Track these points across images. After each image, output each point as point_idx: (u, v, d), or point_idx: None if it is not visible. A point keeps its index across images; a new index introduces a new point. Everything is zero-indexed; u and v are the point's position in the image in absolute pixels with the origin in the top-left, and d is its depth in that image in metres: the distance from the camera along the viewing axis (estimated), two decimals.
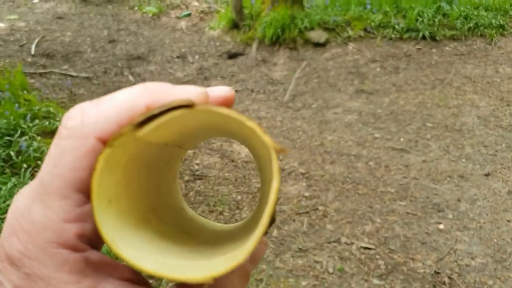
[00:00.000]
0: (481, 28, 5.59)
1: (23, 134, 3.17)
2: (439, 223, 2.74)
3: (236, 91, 4.58)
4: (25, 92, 3.87)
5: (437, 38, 5.52)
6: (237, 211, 2.85)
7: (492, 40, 5.48)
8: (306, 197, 2.97)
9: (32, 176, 2.79)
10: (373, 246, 2.54)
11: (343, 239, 2.59)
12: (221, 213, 2.78)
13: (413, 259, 2.46)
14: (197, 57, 5.36)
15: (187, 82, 4.72)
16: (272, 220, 0.29)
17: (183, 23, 6.26)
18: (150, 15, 6.41)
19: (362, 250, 2.52)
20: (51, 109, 3.63)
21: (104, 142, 0.26)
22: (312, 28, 5.57)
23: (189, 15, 6.45)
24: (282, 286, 2.29)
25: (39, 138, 3.17)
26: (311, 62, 5.15)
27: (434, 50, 5.35)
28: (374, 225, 2.71)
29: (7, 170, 2.80)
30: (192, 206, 2.80)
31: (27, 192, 0.26)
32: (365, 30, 5.65)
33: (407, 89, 4.56)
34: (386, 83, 4.70)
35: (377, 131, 3.80)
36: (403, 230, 2.68)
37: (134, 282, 0.28)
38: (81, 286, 0.25)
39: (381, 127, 3.87)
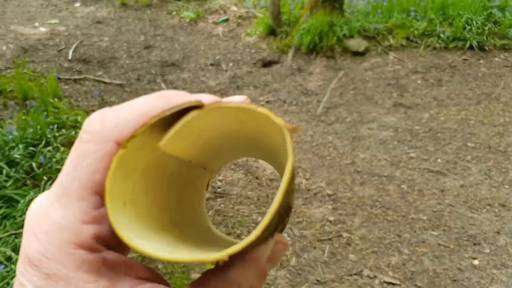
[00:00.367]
0: None
1: (48, 144, 3.17)
2: (474, 258, 2.51)
3: (267, 102, 4.45)
4: (55, 99, 3.89)
5: (486, 48, 5.19)
6: None
7: None
8: (330, 221, 2.81)
9: None
10: (397, 282, 2.35)
11: (366, 272, 2.42)
12: (238, 236, 2.67)
13: None
14: (231, 64, 5.27)
15: (219, 91, 4.63)
16: (289, 208, 0.29)
17: (219, 29, 6.19)
18: (188, 20, 6.38)
19: (385, 285, 2.34)
20: (79, 118, 3.63)
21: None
22: (351, 36, 5.36)
23: (226, 20, 6.37)
24: None
25: (63, 148, 3.17)
26: (348, 72, 4.96)
27: (482, 61, 5.03)
28: (401, 257, 2.52)
29: (28, 182, 2.79)
30: None
31: (46, 194, 0.27)
32: (407, 38, 5.39)
33: (449, 104, 4.29)
34: (427, 96, 4.44)
35: (413, 150, 3.58)
36: (433, 264, 2.47)
37: (150, 281, 0.28)
38: (99, 285, 0.25)
39: (417, 145, 3.64)
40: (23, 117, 3.39)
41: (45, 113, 3.53)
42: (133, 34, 5.90)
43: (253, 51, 5.58)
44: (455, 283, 2.35)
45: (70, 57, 5.20)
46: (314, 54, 5.29)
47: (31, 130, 3.20)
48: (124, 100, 3.61)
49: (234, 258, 0.28)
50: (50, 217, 0.26)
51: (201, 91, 4.63)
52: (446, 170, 3.31)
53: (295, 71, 5.07)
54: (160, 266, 2.42)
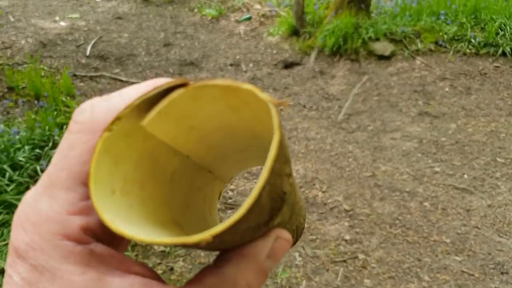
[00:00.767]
0: None
1: (55, 146, 3.08)
2: None
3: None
4: (68, 98, 3.81)
5: None
6: None
7: None
8: (346, 241, 2.64)
9: None
10: None
11: None
12: None
13: None
14: (251, 65, 5.12)
15: None
16: (283, 194, 0.27)
17: (241, 28, 6.04)
18: (209, 18, 6.24)
19: None
20: None
21: None
22: (377, 39, 5.15)
23: (249, 18, 6.22)
24: None
25: None
26: (372, 77, 4.75)
27: None
28: (421, 284, 2.34)
29: (31, 187, 2.69)
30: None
31: (36, 185, 0.27)
32: (436, 43, 5.14)
33: (478, 115, 4.06)
34: (455, 105, 4.21)
35: (437, 164, 3.37)
36: None
37: (143, 276, 0.26)
38: (86, 277, 0.24)
39: (443, 159, 3.44)
40: (33, 117, 3.31)
41: (56, 112, 3.45)
42: (153, 31, 5.80)
43: (274, 51, 5.41)
44: None
45: (88, 53, 5.13)
46: (337, 56, 5.10)
47: (39, 131, 3.11)
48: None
49: (230, 255, 0.27)
50: (37, 208, 0.25)
51: None
52: (473, 188, 3.10)
53: (317, 74, 4.89)
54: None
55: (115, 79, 4.61)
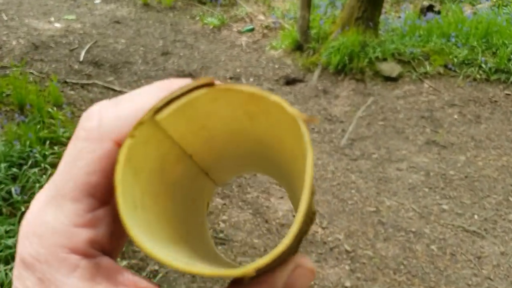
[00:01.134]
0: None
1: (35, 164, 2.84)
2: None
3: None
4: (55, 109, 3.56)
5: None
6: None
7: None
8: (346, 287, 2.40)
9: None
10: None
11: None
12: None
13: None
14: (251, 79, 4.89)
15: None
16: (313, 214, 0.27)
17: (243, 39, 5.82)
18: (211, 27, 6.02)
19: None
20: None
21: (120, 145, 0.24)
22: (384, 59, 4.94)
23: (252, 30, 6.00)
24: None
25: (51, 170, 2.82)
26: (378, 99, 4.53)
27: None
28: None
29: (5, 210, 2.45)
30: (203, 282, 2.33)
31: (42, 194, 0.26)
32: (445, 66, 4.93)
33: (489, 146, 3.84)
34: (464, 135, 3.99)
35: (446, 201, 3.15)
36: None
37: None
38: None
39: (451, 195, 3.21)
40: (14, 129, 3.07)
41: (39, 126, 3.20)
42: (152, 38, 5.56)
43: (276, 66, 5.19)
44: None
45: (81, 58, 4.89)
46: (342, 75, 4.88)
47: (18, 146, 2.86)
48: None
49: (246, 280, 0.26)
50: (43, 219, 0.24)
51: None
52: (484, 231, 2.88)
53: (320, 93, 4.67)
54: None
55: (108, 88, 4.37)
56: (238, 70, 5.05)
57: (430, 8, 6.48)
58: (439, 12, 6.25)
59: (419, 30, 5.43)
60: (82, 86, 4.35)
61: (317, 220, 2.90)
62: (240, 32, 5.98)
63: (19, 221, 2.40)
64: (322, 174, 3.39)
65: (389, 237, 2.79)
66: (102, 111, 0.26)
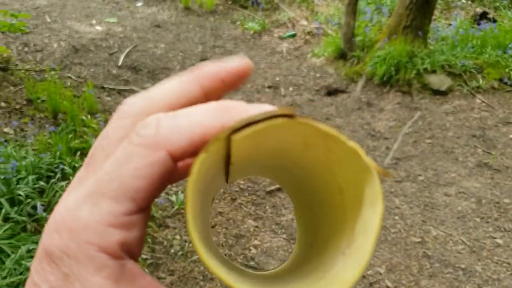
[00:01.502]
0: None
1: (64, 177, 2.75)
2: None
3: None
4: (89, 117, 3.49)
5: None
6: None
7: None
8: None
9: None
10: None
11: None
12: None
13: None
14: (291, 89, 4.70)
15: None
16: None
17: (284, 45, 5.63)
18: (251, 32, 5.86)
19: None
20: None
21: (173, 157, 0.25)
22: (433, 71, 4.64)
23: (293, 36, 5.80)
24: None
25: None
26: (426, 114, 4.26)
27: None
28: None
29: (29, 227, 2.37)
30: None
31: (80, 189, 0.25)
32: (500, 80, 4.60)
33: None
34: None
35: (500, 234, 2.87)
36: None
37: None
38: None
39: (506, 227, 2.93)
40: (46, 137, 3.00)
41: (71, 135, 3.12)
42: (191, 43, 5.46)
43: (318, 75, 4.98)
44: None
45: (120, 63, 4.83)
46: (387, 87, 4.62)
47: (48, 158, 2.79)
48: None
49: None
50: (77, 214, 0.24)
51: None
52: None
53: (363, 105, 4.43)
54: None
55: None
56: (277, 79, 4.87)
57: (483, 15, 6.10)
58: (494, 20, 5.86)
59: (471, 40, 5.10)
60: (119, 92, 4.28)
61: None
62: (281, 38, 5.79)
63: None
64: None
65: (435, 274, 2.54)
66: (160, 121, 0.25)
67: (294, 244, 2.09)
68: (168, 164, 0.25)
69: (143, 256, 2.42)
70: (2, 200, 2.37)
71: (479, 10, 6.24)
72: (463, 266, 2.61)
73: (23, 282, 2.04)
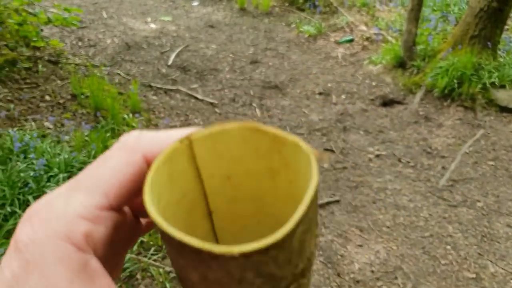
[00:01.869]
0: None
1: None
2: None
3: (377, 156, 3.58)
4: (130, 115, 3.41)
5: None
6: None
7: None
8: None
9: None
10: None
11: None
12: None
13: None
14: (343, 97, 4.45)
15: (321, 129, 3.86)
16: (311, 255, 0.27)
17: (340, 50, 5.37)
18: (306, 35, 5.64)
19: None
20: None
21: (148, 162, 0.27)
22: (501, 86, 4.25)
23: (351, 41, 5.53)
24: None
25: None
26: (489, 133, 3.88)
27: None
28: None
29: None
30: None
31: (62, 186, 0.27)
32: None
33: None
34: None
35: None
36: None
37: None
38: (72, 287, 0.24)
39: None
40: (83, 135, 2.94)
41: (108, 134, 3.05)
42: (243, 45, 5.32)
43: (373, 83, 4.70)
44: None
45: (170, 62, 4.77)
46: (448, 101, 4.27)
47: (82, 156, 2.71)
48: (210, 123, 2.95)
49: None
50: (52, 204, 0.25)
51: (299, 125, 3.90)
52: None
53: (420, 119, 4.11)
54: None
55: (191, 95, 4.18)
56: (329, 85, 4.63)
57: None
58: None
59: None
60: (166, 91, 4.20)
61: (399, 280, 2.42)
62: (337, 43, 5.54)
63: None
64: (412, 221, 2.89)
65: None
66: (142, 133, 0.28)
67: (332, 269, 1.86)
68: (143, 167, 0.27)
69: (167, 269, 2.28)
70: (30, 197, 2.31)
71: None
72: None
73: None
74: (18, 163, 2.53)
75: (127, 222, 0.30)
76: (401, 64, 4.83)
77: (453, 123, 4.04)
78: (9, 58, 3.80)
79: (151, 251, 2.38)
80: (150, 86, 4.25)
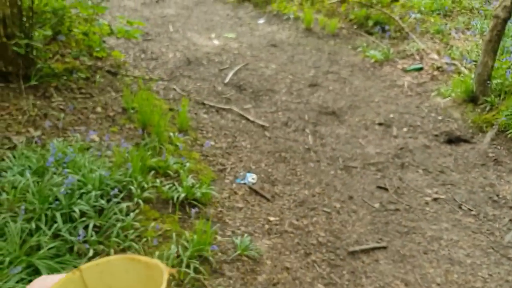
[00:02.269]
0: None
1: (129, 197, 2.59)
2: None
3: (434, 199, 3.26)
4: (176, 134, 3.33)
5: None
6: None
7: None
8: None
9: None
10: None
11: None
12: None
13: None
14: (405, 129, 4.15)
15: (376, 164, 3.59)
16: None
17: (407, 79, 5.06)
18: (372, 60, 5.37)
19: None
20: (186, 166, 2.99)
21: None
22: None
23: (419, 69, 5.20)
24: None
25: (143, 206, 2.54)
26: None
27: None
28: None
29: (76, 248, 2.21)
30: None
31: None
32: None
33: None
34: None
35: None
36: None
37: None
38: None
39: None
40: (125, 152, 2.89)
41: (150, 152, 2.98)
42: (304, 66, 5.15)
43: (439, 117, 4.35)
44: None
45: (227, 80, 4.69)
46: None
47: (119, 174, 2.65)
48: (256, 149, 2.75)
49: None
50: None
51: (353, 157, 3.65)
52: None
53: (489, 162, 3.73)
54: None
55: (242, 116, 4.06)
56: (391, 116, 4.34)
57: None
58: None
59: None
60: (218, 110, 4.11)
61: None
62: (404, 71, 5.23)
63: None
64: (467, 280, 2.56)
65: None
66: (35, 281, 0.36)
67: None
68: None
69: None
70: (58, 214, 2.26)
71: None
72: None
73: None
74: (54, 176, 2.51)
75: None
76: (472, 99, 4.45)
77: None
78: (69, 67, 3.87)
79: None
80: (203, 104, 4.18)
